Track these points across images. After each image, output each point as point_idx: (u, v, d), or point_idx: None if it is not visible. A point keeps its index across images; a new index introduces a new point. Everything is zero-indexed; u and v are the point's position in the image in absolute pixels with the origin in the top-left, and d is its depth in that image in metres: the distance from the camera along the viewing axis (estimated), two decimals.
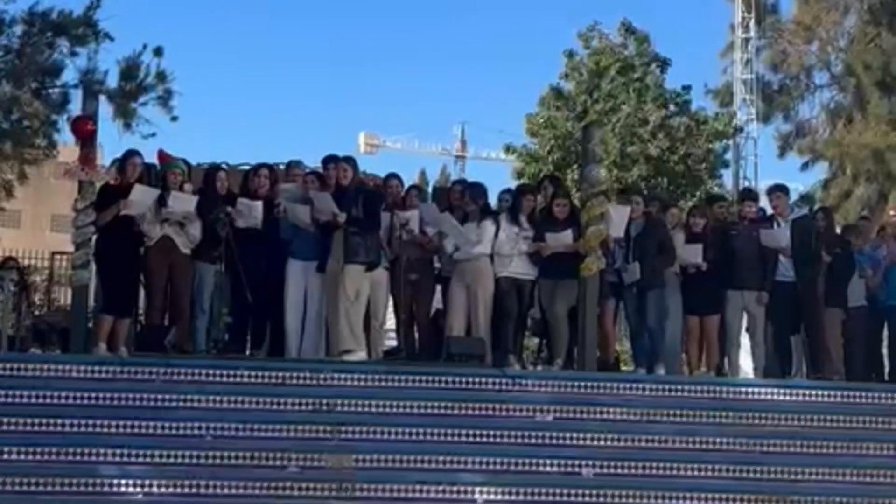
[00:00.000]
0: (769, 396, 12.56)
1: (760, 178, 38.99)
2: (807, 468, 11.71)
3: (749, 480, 11.61)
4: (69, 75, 20.81)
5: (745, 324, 13.97)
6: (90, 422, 10.96)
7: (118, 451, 10.72)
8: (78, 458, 10.67)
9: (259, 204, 12.96)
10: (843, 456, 11.99)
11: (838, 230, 15.28)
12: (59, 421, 10.91)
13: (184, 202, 12.63)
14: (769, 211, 14.53)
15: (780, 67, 34.53)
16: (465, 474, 11.14)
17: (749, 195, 15.38)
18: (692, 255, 13.61)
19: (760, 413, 12.26)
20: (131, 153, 12.99)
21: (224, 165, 13.91)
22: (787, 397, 12.58)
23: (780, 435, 12.05)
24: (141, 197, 12.43)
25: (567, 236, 13.14)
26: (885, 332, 14.56)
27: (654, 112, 32.00)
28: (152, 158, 13.47)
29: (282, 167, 14.19)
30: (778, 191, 14.59)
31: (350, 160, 13.21)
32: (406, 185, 14.35)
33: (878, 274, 14.41)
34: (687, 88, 33.74)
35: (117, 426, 10.97)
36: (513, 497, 11.25)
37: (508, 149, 34.62)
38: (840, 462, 11.88)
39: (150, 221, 12.53)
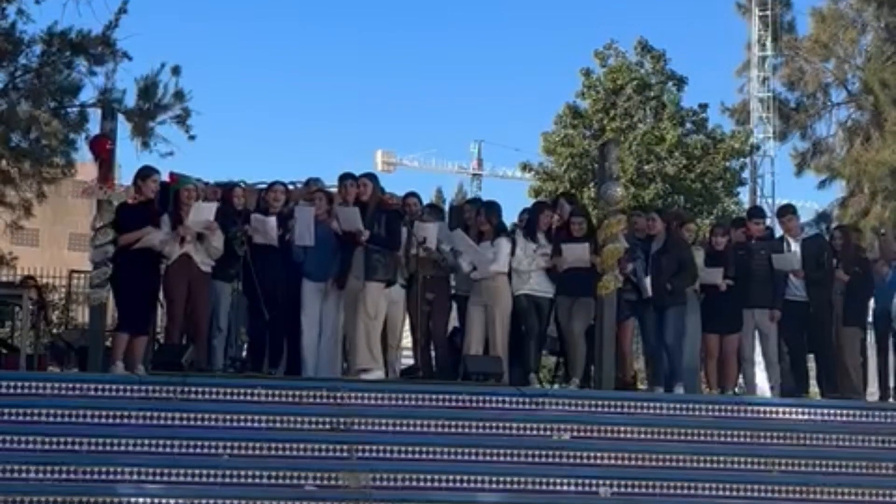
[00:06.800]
0: (785, 415, 12.55)
1: (777, 196, 39.04)
2: (823, 487, 11.65)
3: (766, 499, 11.55)
4: (87, 94, 20.91)
5: (758, 343, 13.96)
6: (107, 440, 10.98)
7: (135, 470, 10.71)
8: (95, 476, 10.66)
9: (273, 219, 12.98)
10: (861, 475, 11.94)
11: None
12: (77, 439, 10.93)
13: (204, 212, 12.65)
14: (778, 230, 14.53)
15: (796, 85, 34.44)
16: (482, 493, 11.11)
17: (755, 213, 15.32)
18: (713, 276, 13.60)
19: (777, 432, 12.26)
20: (149, 170, 13.03)
21: (241, 184, 13.94)
22: (804, 416, 12.58)
23: (797, 454, 12.02)
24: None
25: (584, 248, 13.13)
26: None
27: (670, 130, 32.13)
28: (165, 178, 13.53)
29: (300, 185, 14.22)
30: (788, 212, 14.58)
31: (371, 176, 13.26)
32: (423, 203, 14.38)
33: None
34: (703, 107, 33.94)
35: (134, 444, 11.00)
36: None
37: (525, 167, 34.76)
38: (857, 482, 11.82)
39: (168, 241, 12.58)
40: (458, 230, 13.52)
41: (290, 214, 13.17)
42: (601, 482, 11.37)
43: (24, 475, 10.58)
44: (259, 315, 12.84)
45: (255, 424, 11.41)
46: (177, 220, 12.62)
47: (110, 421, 11.22)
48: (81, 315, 22.10)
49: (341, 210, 12.91)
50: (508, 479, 11.24)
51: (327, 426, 11.53)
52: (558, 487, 11.30)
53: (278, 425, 11.45)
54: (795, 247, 14.03)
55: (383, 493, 10.94)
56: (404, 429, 11.65)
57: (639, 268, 13.58)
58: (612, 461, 11.65)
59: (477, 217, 13.70)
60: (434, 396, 12.04)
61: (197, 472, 10.78)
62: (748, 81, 39.33)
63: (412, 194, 14.15)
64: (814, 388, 14.59)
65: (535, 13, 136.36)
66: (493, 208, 13.80)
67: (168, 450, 11.02)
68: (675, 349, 13.46)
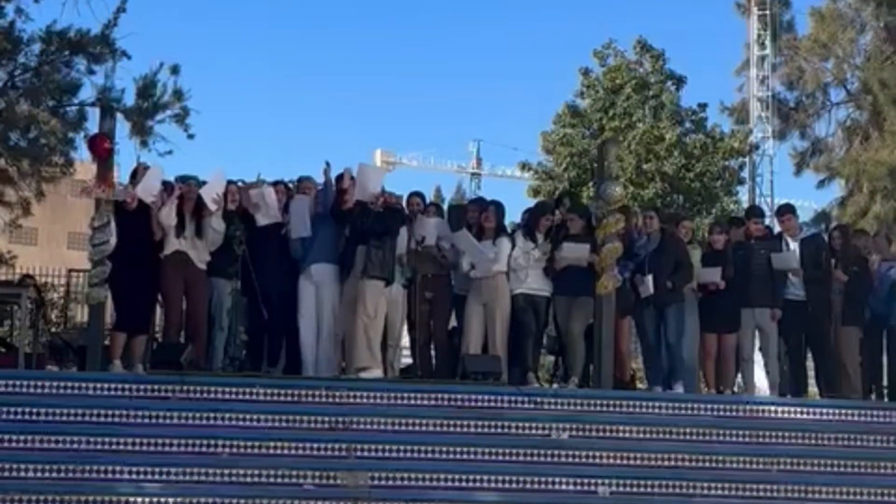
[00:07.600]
0: (785, 415, 12.54)
1: (777, 196, 39.03)
2: (823, 487, 11.63)
3: (765, 499, 11.53)
4: (86, 93, 20.93)
5: (758, 342, 13.94)
6: (106, 439, 10.97)
7: (134, 469, 10.69)
8: (94, 475, 10.64)
9: (270, 189, 13.02)
10: (860, 475, 11.93)
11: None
12: (76, 438, 10.92)
13: (215, 182, 12.76)
14: (777, 229, 14.50)
15: (795, 85, 34.40)
16: (480, 493, 11.09)
17: (754, 213, 15.29)
18: (711, 275, 13.57)
19: (776, 431, 12.25)
20: (139, 167, 13.09)
21: (240, 183, 13.93)
22: (803, 415, 12.57)
23: (796, 453, 12.00)
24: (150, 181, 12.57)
25: (584, 248, 13.11)
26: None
27: (669, 129, 32.04)
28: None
29: (293, 184, 14.21)
30: (786, 212, 14.54)
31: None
32: (426, 202, 14.40)
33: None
34: (702, 106, 33.84)
35: (133, 443, 10.99)
36: None
37: (524, 166, 34.71)
38: (857, 481, 11.80)
39: (170, 216, 12.65)
40: (464, 230, 13.50)
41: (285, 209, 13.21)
42: (600, 482, 11.35)
43: (22, 474, 10.57)
44: (258, 314, 12.83)
45: (254, 423, 11.40)
46: (179, 212, 12.65)
47: (109, 420, 11.22)
48: (80, 314, 22.08)
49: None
50: (507, 478, 11.22)
51: (326, 425, 11.52)
52: (557, 487, 11.28)
53: (277, 424, 11.44)
54: (794, 246, 14.01)
55: (382, 493, 10.91)
56: (403, 428, 11.64)
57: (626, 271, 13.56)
58: (612, 461, 11.63)
59: (482, 214, 13.67)
60: (433, 396, 12.04)
61: (196, 471, 10.76)
62: (747, 81, 39.31)
63: (416, 194, 14.17)
64: (813, 388, 14.59)
65: (535, 13, 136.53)
66: (498, 208, 13.79)
67: (167, 448, 11.00)
68: (676, 347, 13.44)
